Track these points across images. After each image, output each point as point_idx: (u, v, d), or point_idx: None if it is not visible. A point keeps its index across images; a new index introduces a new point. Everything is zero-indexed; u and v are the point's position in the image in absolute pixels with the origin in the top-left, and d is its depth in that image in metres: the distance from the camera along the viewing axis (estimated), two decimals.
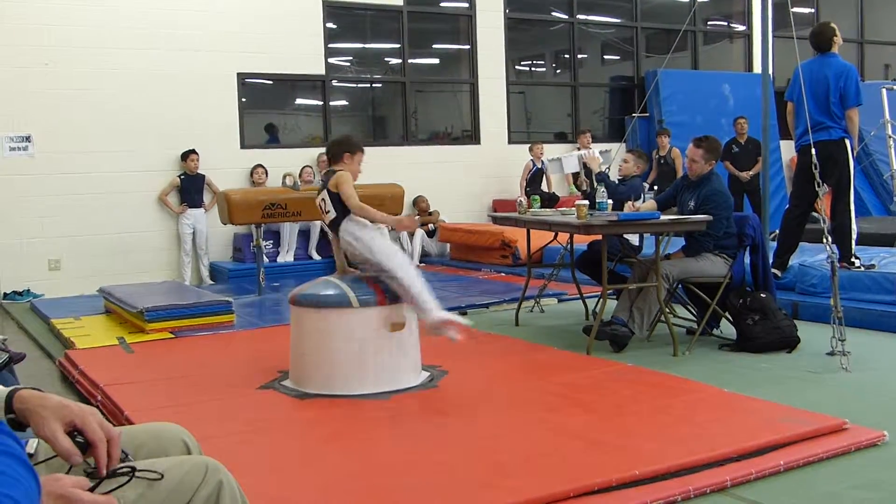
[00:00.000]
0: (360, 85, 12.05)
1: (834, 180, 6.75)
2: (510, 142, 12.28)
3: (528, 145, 11.77)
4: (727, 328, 5.88)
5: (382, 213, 4.99)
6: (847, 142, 6.68)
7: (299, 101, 11.70)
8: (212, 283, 9.90)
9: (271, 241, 10.26)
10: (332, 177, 4.86)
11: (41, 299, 8.92)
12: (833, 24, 6.94)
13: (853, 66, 6.96)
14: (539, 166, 11.63)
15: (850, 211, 6.77)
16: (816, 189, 5.68)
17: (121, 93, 9.61)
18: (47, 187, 9.31)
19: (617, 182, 6.85)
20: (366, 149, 5.19)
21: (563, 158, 7.12)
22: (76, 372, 5.36)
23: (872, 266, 6.68)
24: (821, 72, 6.77)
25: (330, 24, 11.06)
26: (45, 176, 9.29)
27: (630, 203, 6.20)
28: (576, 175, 11.51)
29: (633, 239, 6.58)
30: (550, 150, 11.93)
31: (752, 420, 3.88)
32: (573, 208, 6.02)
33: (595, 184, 6.43)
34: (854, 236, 6.80)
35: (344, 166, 4.93)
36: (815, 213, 6.45)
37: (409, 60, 11.81)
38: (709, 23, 14.90)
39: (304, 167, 10.43)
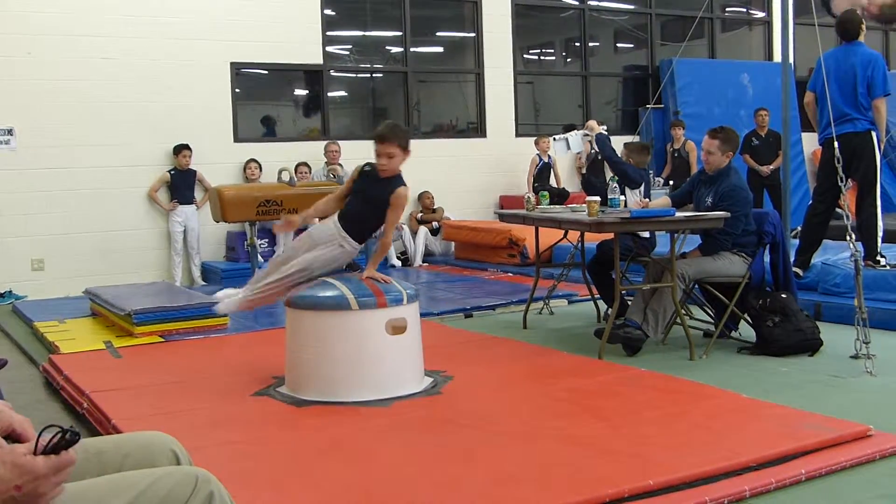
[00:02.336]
0: (359, 75, 12.06)
1: (859, 175, 6.75)
2: (518, 135, 12.28)
3: (535, 139, 11.78)
4: (746, 330, 5.88)
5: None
6: (873, 134, 6.68)
7: (296, 92, 11.71)
8: (204, 283, 9.91)
9: (266, 240, 10.26)
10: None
11: (24, 301, 8.95)
12: (860, 12, 6.95)
13: (880, 55, 6.96)
14: (546, 160, 11.65)
15: (876, 207, 6.77)
16: (839, 184, 5.68)
17: (107, 83, 9.63)
18: (30, 183, 9.33)
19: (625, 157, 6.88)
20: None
21: (569, 137, 7.12)
22: (61, 378, 5.37)
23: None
24: (847, 61, 6.77)
25: (328, 11, 11.06)
26: (27, 171, 9.31)
27: (637, 199, 6.21)
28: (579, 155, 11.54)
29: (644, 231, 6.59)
30: None
31: (771, 427, 3.88)
32: (584, 205, 6.03)
33: (597, 151, 6.50)
34: (880, 234, 6.79)
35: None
36: (838, 209, 6.44)
37: (412, 49, 11.81)
38: (727, 9, 14.88)
39: (298, 164, 10.42)
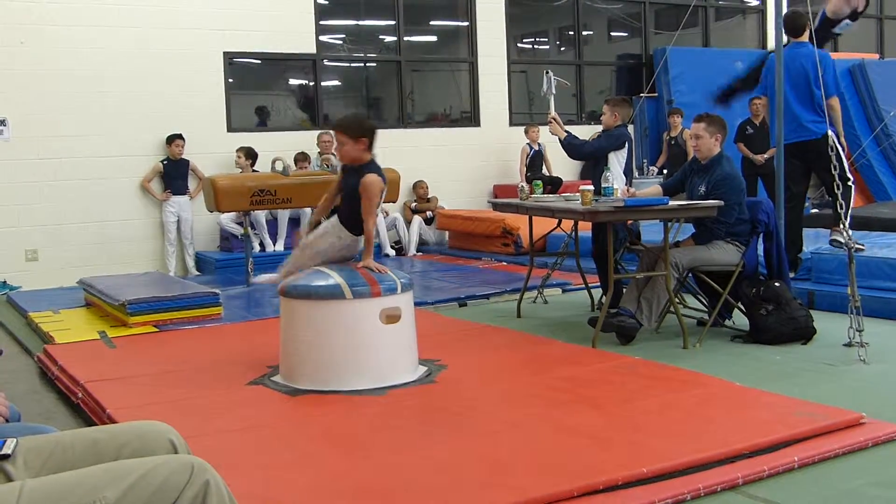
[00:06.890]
0: (353, 64, 12.03)
1: (828, 174, 6.71)
2: (511, 124, 12.26)
3: (524, 127, 11.76)
4: (740, 319, 5.89)
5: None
6: (831, 133, 6.63)
7: (289, 81, 11.68)
8: (198, 273, 9.90)
9: (257, 233, 10.24)
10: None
11: (18, 291, 8.92)
12: (806, 11, 6.93)
13: (827, 54, 7.03)
14: (537, 148, 11.65)
15: (850, 186, 6.71)
16: (833, 175, 5.69)
17: (100, 73, 9.59)
18: (23, 173, 9.29)
19: (595, 137, 6.91)
20: None
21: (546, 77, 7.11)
22: (55, 368, 5.38)
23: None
24: (796, 62, 6.79)
25: (321, 0, 11.03)
26: (20, 161, 9.27)
27: (626, 188, 6.21)
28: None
29: None
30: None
31: (764, 415, 3.90)
32: (577, 193, 6.04)
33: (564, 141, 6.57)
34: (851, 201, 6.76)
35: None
36: (828, 197, 6.44)
37: (405, 38, 11.78)
38: None
39: (296, 154, 10.39)
